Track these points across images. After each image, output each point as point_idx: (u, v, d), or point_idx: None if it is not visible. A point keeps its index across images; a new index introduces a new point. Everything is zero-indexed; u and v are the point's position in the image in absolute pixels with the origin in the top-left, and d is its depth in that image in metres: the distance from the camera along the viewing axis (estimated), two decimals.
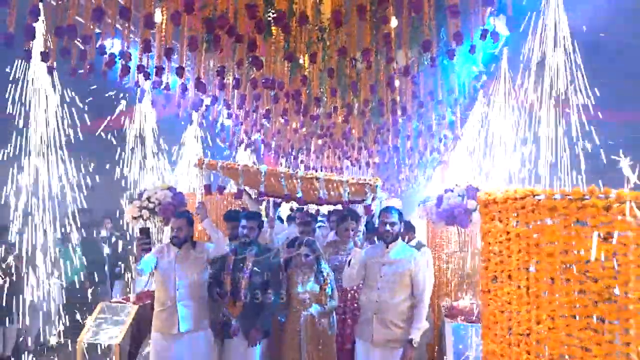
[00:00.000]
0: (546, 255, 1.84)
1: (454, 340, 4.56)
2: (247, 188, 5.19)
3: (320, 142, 8.21)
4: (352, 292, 5.07)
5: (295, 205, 6.53)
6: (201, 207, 4.67)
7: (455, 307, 5.30)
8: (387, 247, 4.19)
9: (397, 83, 5.31)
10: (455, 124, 6.59)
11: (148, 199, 5.73)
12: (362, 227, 4.44)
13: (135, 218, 5.53)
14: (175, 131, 8.02)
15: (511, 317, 2.02)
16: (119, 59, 4.06)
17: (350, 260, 4.24)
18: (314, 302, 4.48)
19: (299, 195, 4.47)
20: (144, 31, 3.77)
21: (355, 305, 4.90)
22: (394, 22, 4.39)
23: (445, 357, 4.61)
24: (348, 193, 4.33)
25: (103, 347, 4.86)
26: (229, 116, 6.19)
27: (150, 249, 4.31)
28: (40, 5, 3.29)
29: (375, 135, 6.78)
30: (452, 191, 5.14)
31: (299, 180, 4.39)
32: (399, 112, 5.53)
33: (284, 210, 8.07)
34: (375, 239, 4.62)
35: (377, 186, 4.25)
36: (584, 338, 1.70)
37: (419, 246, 5.32)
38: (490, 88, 6.14)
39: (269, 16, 3.99)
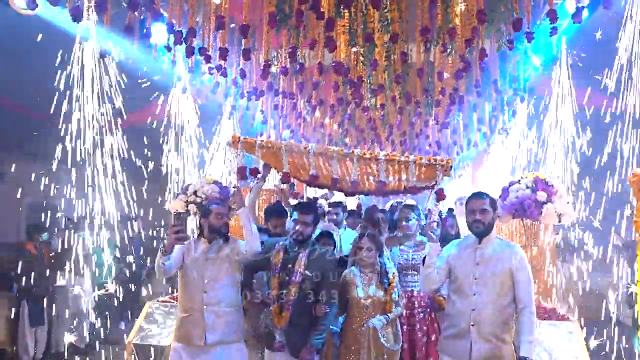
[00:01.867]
0: None
1: None
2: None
3: (348, 139, 8.00)
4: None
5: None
6: (237, 193, 3.83)
7: None
8: (480, 242, 3.37)
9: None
10: (504, 117, 6.37)
11: (194, 193, 5.47)
12: (436, 216, 3.69)
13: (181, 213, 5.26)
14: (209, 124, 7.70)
15: None
16: (184, 40, 3.83)
17: (424, 259, 3.50)
18: (378, 310, 3.74)
19: (354, 177, 3.69)
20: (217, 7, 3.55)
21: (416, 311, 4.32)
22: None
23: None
24: (415, 177, 3.67)
25: (155, 349, 4.58)
26: (275, 107, 5.95)
27: (186, 239, 3.58)
28: None
29: (420, 128, 6.56)
30: (518, 183, 4.93)
31: (354, 162, 3.66)
32: (456, 102, 5.32)
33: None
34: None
35: (451, 167, 3.62)
36: None
37: None
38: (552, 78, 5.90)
39: None
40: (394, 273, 3.87)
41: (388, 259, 3.97)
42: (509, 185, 4.99)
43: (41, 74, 5.85)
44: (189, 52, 3.88)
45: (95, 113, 5.69)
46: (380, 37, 4.17)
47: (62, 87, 5.58)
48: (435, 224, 3.59)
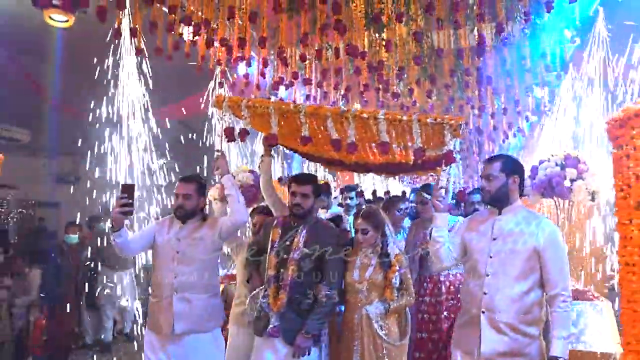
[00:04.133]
0: None
1: None
2: None
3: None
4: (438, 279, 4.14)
5: None
6: (221, 157, 3.45)
7: None
8: (500, 213, 2.86)
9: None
10: (543, 98, 6.19)
11: None
12: (444, 182, 2.99)
13: (219, 200, 5.53)
14: None
15: None
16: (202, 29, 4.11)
17: (431, 232, 3.01)
18: (376, 296, 3.31)
19: (351, 139, 3.08)
20: None
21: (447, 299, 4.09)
22: None
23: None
24: (420, 140, 3.01)
25: None
26: (307, 98, 6.12)
27: (131, 212, 3.22)
28: None
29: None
30: (547, 161, 4.82)
31: (350, 122, 3.06)
32: (485, 82, 5.26)
33: None
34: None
35: (460, 126, 2.99)
36: None
37: None
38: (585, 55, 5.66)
39: None
40: (396, 255, 3.36)
41: (392, 237, 3.48)
42: (539, 164, 4.90)
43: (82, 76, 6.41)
44: (209, 44, 4.14)
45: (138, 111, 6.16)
46: (392, 19, 4.23)
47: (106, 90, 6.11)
48: (443, 190, 2.97)
